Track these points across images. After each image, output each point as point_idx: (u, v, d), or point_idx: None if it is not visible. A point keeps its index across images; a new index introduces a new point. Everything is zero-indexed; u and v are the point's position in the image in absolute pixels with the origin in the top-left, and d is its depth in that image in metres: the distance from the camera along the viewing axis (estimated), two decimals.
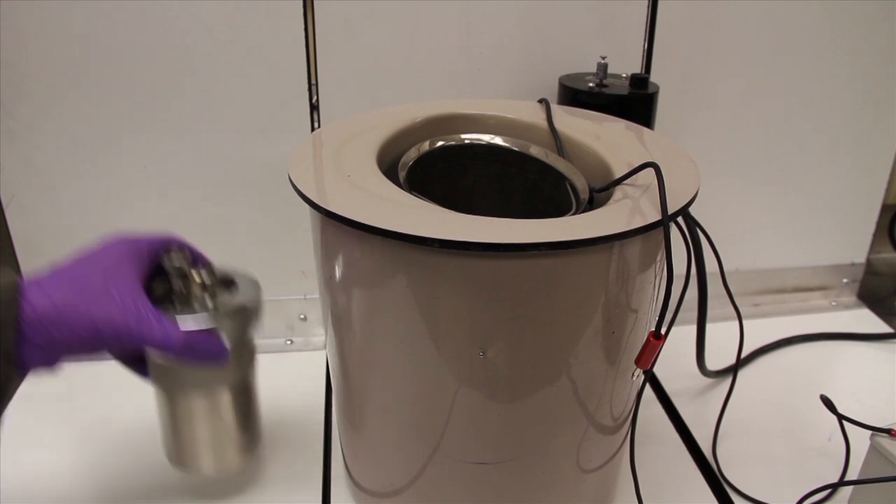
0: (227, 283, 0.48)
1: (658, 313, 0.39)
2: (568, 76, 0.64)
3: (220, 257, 0.69)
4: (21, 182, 0.64)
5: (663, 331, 0.39)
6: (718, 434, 0.60)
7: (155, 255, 0.45)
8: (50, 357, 0.39)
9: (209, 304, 0.45)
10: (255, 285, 0.48)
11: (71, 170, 0.64)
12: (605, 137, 0.50)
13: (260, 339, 0.73)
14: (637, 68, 0.68)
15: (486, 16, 0.63)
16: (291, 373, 0.69)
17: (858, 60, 0.71)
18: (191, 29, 0.60)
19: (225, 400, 0.48)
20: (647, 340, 0.39)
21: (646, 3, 0.65)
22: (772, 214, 0.78)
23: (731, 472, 0.57)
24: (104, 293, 0.39)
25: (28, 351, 0.37)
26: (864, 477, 0.50)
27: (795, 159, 0.75)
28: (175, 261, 0.44)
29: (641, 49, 0.67)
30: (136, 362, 0.47)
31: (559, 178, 0.48)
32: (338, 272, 0.41)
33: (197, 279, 0.44)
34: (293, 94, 0.63)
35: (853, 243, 0.82)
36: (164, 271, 0.44)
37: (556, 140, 0.50)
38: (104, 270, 0.41)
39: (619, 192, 0.41)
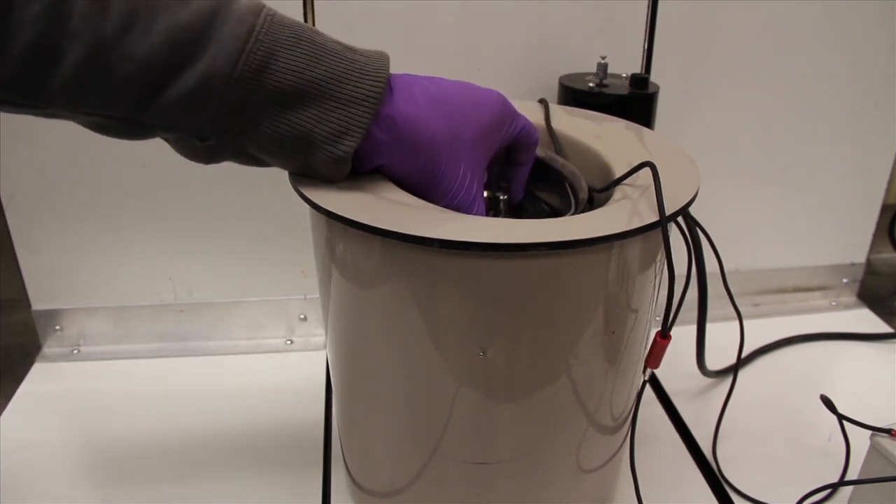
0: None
1: (662, 313, 0.39)
2: (568, 76, 0.64)
3: (221, 257, 0.70)
4: (21, 182, 0.64)
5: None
6: (718, 434, 0.60)
7: (506, 142, 0.42)
8: (374, 161, 0.37)
9: None
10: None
11: (71, 170, 0.64)
12: (605, 137, 0.49)
13: (260, 339, 0.74)
14: (637, 68, 0.68)
15: (485, 15, 0.63)
16: (291, 373, 0.69)
17: (858, 60, 0.71)
18: None
19: None
20: (655, 340, 0.40)
21: (646, 3, 0.65)
22: (772, 214, 0.78)
23: (731, 472, 0.57)
24: (455, 156, 0.37)
25: (366, 148, 0.36)
26: (864, 477, 0.50)
27: (795, 159, 0.75)
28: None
29: (641, 49, 0.67)
30: None
31: (559, 178, 0.48)
32: (338, 272, 0.41)
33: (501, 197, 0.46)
34: None
35: (853, 243, 0.82)
36: None
37: (554, 140, 0.50)
38: (469, 129, 0.37)
39: (618, 192, 0.41)
